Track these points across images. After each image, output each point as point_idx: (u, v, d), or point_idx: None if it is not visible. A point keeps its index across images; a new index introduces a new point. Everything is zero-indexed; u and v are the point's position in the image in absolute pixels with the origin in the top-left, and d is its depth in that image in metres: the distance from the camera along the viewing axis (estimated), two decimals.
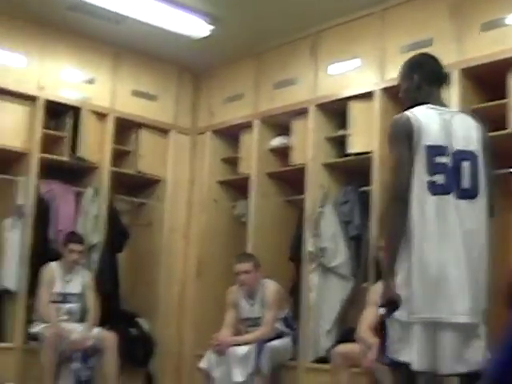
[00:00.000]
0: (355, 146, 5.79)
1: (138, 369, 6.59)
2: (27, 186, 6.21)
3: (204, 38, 6.45)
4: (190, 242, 7.18)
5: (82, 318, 6.03)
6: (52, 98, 6.44)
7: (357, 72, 5.91)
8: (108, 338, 5.88)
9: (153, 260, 7.04)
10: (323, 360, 5.61)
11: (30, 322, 5.99)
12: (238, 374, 5.39)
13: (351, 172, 6.04)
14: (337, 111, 6.06)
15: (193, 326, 6.92)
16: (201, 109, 7.39)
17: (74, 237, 6.15)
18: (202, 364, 5.62)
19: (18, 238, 6.15)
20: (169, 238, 7.09)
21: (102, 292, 6.24)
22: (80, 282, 6.12)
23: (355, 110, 5.84)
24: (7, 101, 6.24)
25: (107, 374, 5.80)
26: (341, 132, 6.05)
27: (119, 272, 6.81)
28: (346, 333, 5.52)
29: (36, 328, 5.85)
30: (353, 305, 5.75)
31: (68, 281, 6.07)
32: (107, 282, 6.45)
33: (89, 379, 5.73)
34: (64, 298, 6.03)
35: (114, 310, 6.40)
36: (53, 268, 6.04)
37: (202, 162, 7.21)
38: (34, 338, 5.84)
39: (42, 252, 6.19)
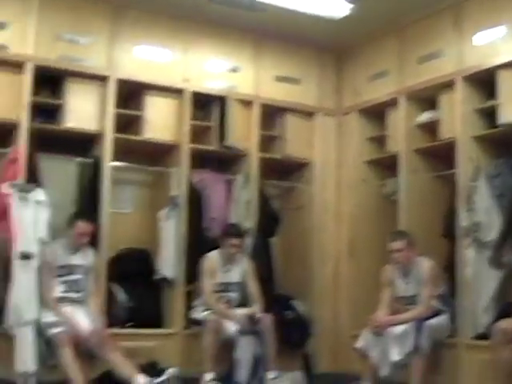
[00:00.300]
0: (506, 115, 5.61)
1: (295, 351, 6.65)
2: (179, 177, 6.40)
3: (344, 17, 6.41)
4: (340, 223, 7.18)
5: (241, 306, 6.10)
6: (197, 89, 6.59)
7: (503, 40, 5.71)
8: (265, 320, 5.96)
9: (305, 243, 7.10)
10: (483, 336, 5.48)
11: (189, 308, 6.16)
12: (396, 354, 5.36)
13: (503, 143, 5.86)
14: (484, 81, 5.88)
15: (348, 306, 6.94)
16: (345, 89, 7.37)
17: (234, 230, 6.21)
18: (359, 344, 5.61)
19: (173, 227, 6.35)
20: (320, 220, 7.12)
21: (259, 277, 6.29)
22: (239, 271, 6.19)
23: (504, 78, 5.65)
24: (156, 95, 6.44)
25: (265, 357, 5.87)
26: (490, 102, 5.87)
27: (273, 256, 6.90)
28: (506, 308, 5.38)
29: (197, 313, 6.01)
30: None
31: (228, 270, 6.15)
32: (263, 268, 6.50)
33: (260, 357, 5.82)
34: (225, 287, 6.11)
35: (269, 294, 6.44)
36: (213, 258, 6.12)
37: (348, 142, 7.20)
38: (195, 322, 6.01)
39: (196, 240, 6.36)
